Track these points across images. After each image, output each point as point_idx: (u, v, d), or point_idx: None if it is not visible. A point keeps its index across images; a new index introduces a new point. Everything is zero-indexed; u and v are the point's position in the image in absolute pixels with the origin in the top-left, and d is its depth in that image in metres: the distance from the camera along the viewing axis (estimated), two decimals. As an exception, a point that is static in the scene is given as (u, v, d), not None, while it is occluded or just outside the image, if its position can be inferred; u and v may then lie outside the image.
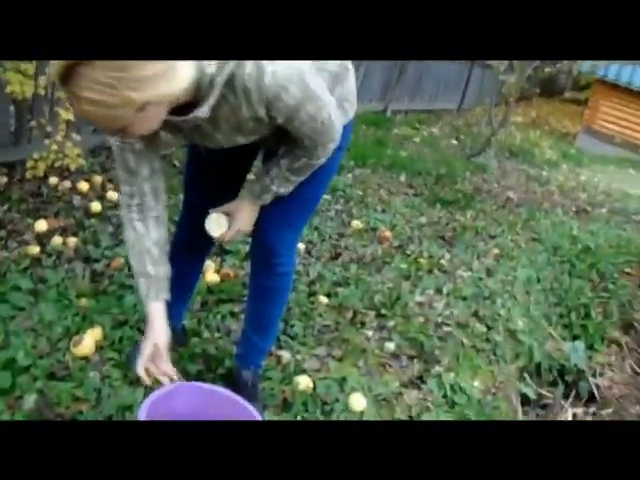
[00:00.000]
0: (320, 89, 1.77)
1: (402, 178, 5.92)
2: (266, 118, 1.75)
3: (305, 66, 1.69)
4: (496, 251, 4.73)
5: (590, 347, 4.23)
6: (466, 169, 6.91)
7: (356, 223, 4.46)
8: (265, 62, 1.61)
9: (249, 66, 1.61)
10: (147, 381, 1.95)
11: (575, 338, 4.18)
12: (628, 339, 4.58)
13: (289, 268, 2.37)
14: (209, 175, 2.29)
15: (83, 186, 3.97)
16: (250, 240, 2.34)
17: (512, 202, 6.23)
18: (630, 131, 11.64)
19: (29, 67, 3.50)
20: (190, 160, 2.35)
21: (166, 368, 1.97)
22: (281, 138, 1.95)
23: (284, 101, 1.69)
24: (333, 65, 1.94)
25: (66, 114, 3.85)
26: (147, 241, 1.99)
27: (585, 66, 11.59)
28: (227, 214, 2.14)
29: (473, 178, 6.70)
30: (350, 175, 5.56)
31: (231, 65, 1.61)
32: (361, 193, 5.17)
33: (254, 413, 1.91)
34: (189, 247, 2.45)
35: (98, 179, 4.12)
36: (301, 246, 3.87)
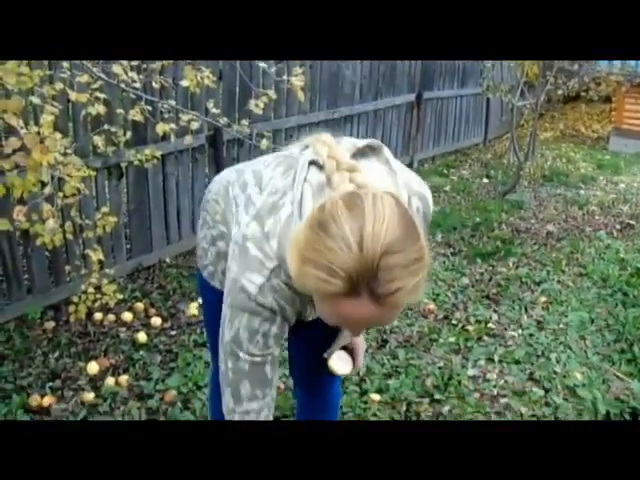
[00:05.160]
0: None
1: (439, 237, 5.92)
2: None
3: None
4: (544, 299, 4.68)
5: (659, 378, 4.12)
6: (501, 210, 6.87)
7: (398, 301, 4.45)
8: None
9: None
10: None
11: (643, 371, 4.09)
12: (698, 358, 4.45)
13: (338, 398, 2.38)
14: None
15: (127, 317, 4.10)
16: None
17: (553, 236, 6.16)
18: (659, 122, 11.44)
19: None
20: None
21: None
22: None
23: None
24: None
25: (96, 255, 3.97)
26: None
27: (602, 64, 11.47)
28: (344, 347, 2.05)
29: (510, 219, 6.66)
30: (385, 247, 5.55)
31: None
32: (399, 266, 5.15)
33: None
34: None
35: (140, 306, 4.25)
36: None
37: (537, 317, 4.41)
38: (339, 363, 2.03)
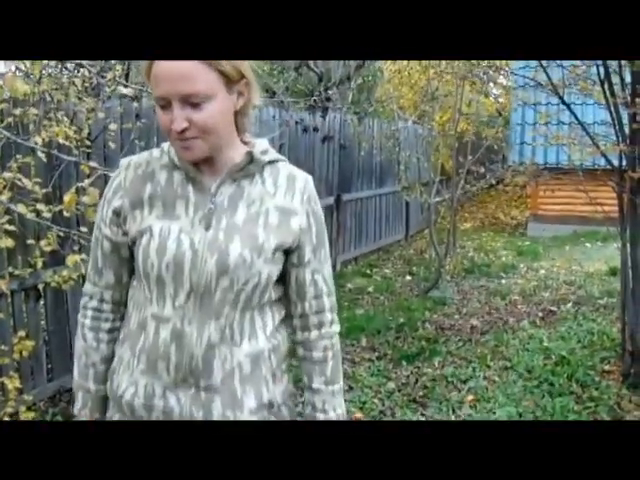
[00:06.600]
0: None
1: (363, 342, 5.91)
2: (299, 219, 1.69)
3: None
4: (471, 397, 4.70)
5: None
6: (425, 308, 6.94)
7: (325, 413, 4.41)
8: None
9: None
10: None
11: (573, 461, 4.09)
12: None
13: None
14: None
15: (48, 443, 3.93)
16: None
17: (477, 331, 6.24)
18: (572, 206, 11.79)
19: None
20: None
21: None
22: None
23: (317, 208, 1.75)
24: None
25: (12, 382, 3.85)
26: (95, 355, 1.81)
27: (513, 156, 11.88)
28: None
29: (433, 316, 6.72)
30: (311, 356, 5.53)
31: (274, 152, 1.71)
32: (325, 376, 5.12)
33: None
34: None
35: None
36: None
37: (465, 416, 4.41)
38: None
